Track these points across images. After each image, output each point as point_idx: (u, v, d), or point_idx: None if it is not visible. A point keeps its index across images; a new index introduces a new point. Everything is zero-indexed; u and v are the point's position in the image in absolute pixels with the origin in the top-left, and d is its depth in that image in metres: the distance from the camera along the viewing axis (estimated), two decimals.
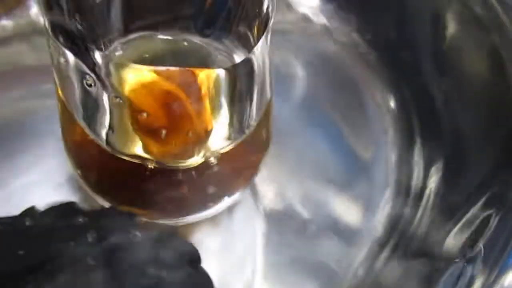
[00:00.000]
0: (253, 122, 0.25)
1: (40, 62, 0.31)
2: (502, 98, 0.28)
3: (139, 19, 0.26)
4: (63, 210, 0.25)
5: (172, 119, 0.24)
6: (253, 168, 0.28)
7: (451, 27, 0.30)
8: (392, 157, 0.32)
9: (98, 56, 0.23)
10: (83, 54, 0.23)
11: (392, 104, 0.32)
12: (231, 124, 0.25)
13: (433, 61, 0.31)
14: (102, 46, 0.25)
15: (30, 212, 0.24)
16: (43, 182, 0.30)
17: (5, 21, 0.33)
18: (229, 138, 0.25)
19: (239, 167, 0.28)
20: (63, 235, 0.24)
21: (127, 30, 0.26)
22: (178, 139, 0.25)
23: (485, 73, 0.29)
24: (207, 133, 0.24)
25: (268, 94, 0.26)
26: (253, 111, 0.25)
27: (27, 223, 0.24)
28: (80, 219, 0.25)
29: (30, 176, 0.30)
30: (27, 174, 0.30)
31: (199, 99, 0.24)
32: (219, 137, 0.25)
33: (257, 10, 0.25)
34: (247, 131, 0.25)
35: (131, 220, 0.25)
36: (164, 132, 0.24)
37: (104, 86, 0.23)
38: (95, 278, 0.23)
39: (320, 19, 0.34)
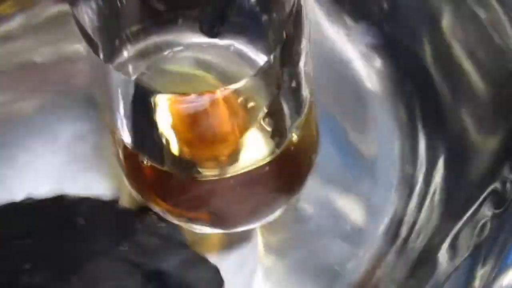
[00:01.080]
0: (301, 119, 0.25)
1: (42, 59, 0.32)
2: (504, 97, 0.28)
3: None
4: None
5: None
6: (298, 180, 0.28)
7: (450, 27, 0.30)
8: (396, 156, 0.32)
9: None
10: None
11: (395, 102, 0.32)
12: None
13: (436, 60, 0.31)
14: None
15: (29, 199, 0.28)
16: (42, 180, 0.30)
17: (9, 18, 0.33)
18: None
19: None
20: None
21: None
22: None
23: (488, 71, 0.29)
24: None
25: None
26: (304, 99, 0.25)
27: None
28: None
29: (29, 174, 0.31)
30: (25, 172, 0.31)
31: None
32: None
33: None
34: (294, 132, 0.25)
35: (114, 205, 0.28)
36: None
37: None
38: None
39: (320, 16, 0.34)
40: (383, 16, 0.32)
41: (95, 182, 0.30)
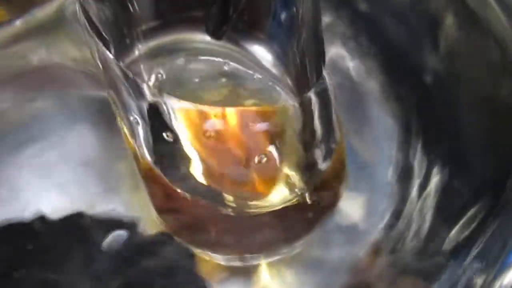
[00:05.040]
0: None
1: (49, 62, 0.32)
2: (504, 99, 0.29)
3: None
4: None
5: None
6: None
7: (451, 29, 0.30)
8: (394, 156, 0.32)
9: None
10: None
11: (393, 105, 0.33)
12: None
13: (433, 63, 0.31)
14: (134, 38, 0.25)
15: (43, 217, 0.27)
16: (52, 187, 0.30)
17: (16, 19, 0.32)
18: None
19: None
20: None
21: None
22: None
23: (486, 75, 0.29)
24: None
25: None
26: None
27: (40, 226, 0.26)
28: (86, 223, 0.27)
29: (40, 182, 0.30)
30: (36, 179, 0.30)
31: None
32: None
33: None
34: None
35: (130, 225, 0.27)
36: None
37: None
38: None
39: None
40: (382, 21, 0.32)
41: (110, 195, 0.30)
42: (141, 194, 0.28)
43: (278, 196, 0.25)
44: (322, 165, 0.25)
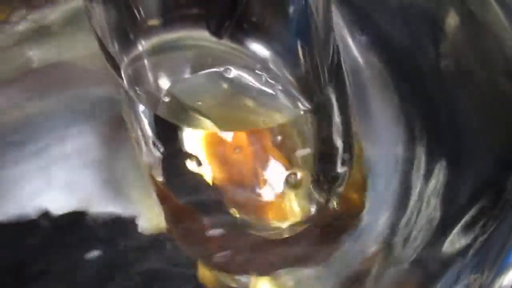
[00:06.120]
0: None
1: (50, 62, 0.32)
2: (504, 99, 0.29)
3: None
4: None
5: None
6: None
7: (451, 29, 0.30)
8: (395, 158, 0.32)
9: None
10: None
11: (395, 106, 0.33)
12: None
13: (434, 63, 0.31)
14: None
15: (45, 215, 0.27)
16: (51, 188, 0.30)
17: (18, 19, 0.32)
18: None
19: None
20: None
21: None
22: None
23: (486, 75, 0.30)
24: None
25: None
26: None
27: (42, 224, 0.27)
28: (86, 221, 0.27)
29: (41, 181, 0.30)
30: (37, 178, 0.30)
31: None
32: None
33: None
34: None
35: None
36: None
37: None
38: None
39: None
40: (382, 22, 0.32)
41: (110, 194, 0.30)
42: (141, 193, 0.28)
43: (290, 220, 0.24)
44: (341, 177, 0.25)
